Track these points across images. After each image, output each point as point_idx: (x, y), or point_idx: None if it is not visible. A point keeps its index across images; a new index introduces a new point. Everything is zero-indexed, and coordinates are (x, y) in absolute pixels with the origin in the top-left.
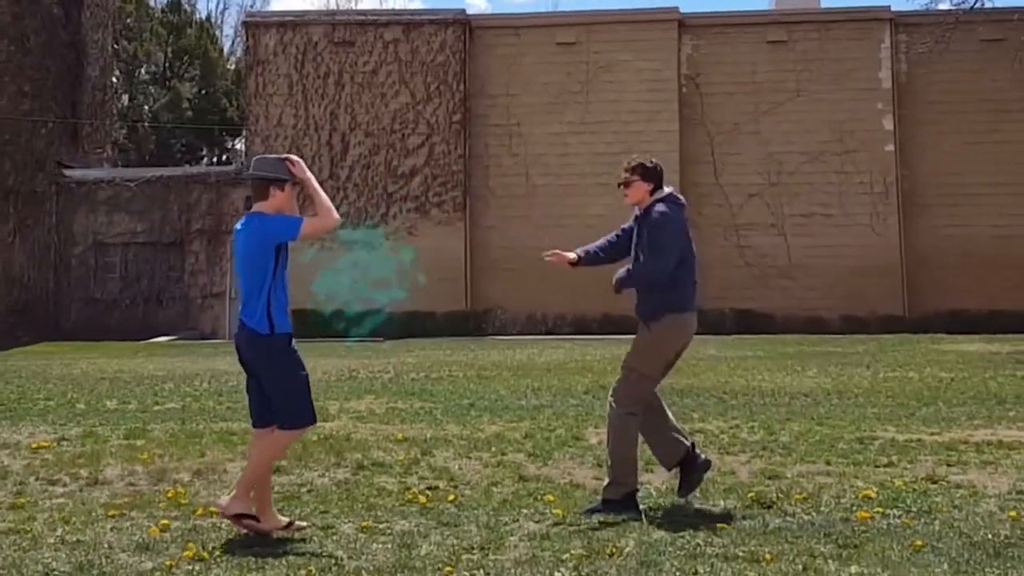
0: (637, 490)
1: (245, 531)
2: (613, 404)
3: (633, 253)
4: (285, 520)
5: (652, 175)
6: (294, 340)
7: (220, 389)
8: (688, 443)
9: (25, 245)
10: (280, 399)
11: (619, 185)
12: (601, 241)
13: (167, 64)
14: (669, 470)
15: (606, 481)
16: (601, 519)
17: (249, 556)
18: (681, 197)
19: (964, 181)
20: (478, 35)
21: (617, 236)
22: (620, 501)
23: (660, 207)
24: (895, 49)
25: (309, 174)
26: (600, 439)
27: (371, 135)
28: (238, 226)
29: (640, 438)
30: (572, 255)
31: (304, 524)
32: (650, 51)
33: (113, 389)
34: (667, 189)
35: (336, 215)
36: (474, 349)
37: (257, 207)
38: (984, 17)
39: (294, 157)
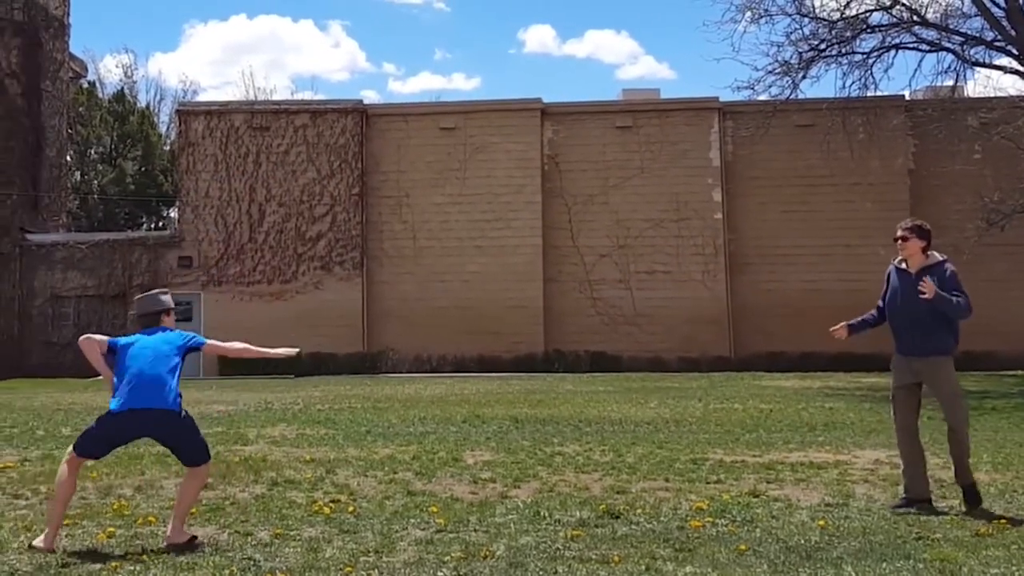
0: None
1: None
2: (954, 425)
3: (905, 299)
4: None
5: (926, 235)
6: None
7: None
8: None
9: None
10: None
11: (896, 240)
12: (867, 315)
13: (113, 146)
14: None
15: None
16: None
17: (181, 559)
18: None
19: (780, 244)
20: (373, 121)
21: (880, 307)
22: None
23: (951, 267)
24: (723, 133)
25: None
26: (475, 460)
27: (284, 205)
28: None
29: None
30: (844, 330)
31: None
32: (517, 135)
33: (67, 418)
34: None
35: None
36: (370, 384)
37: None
38: (797, 106)
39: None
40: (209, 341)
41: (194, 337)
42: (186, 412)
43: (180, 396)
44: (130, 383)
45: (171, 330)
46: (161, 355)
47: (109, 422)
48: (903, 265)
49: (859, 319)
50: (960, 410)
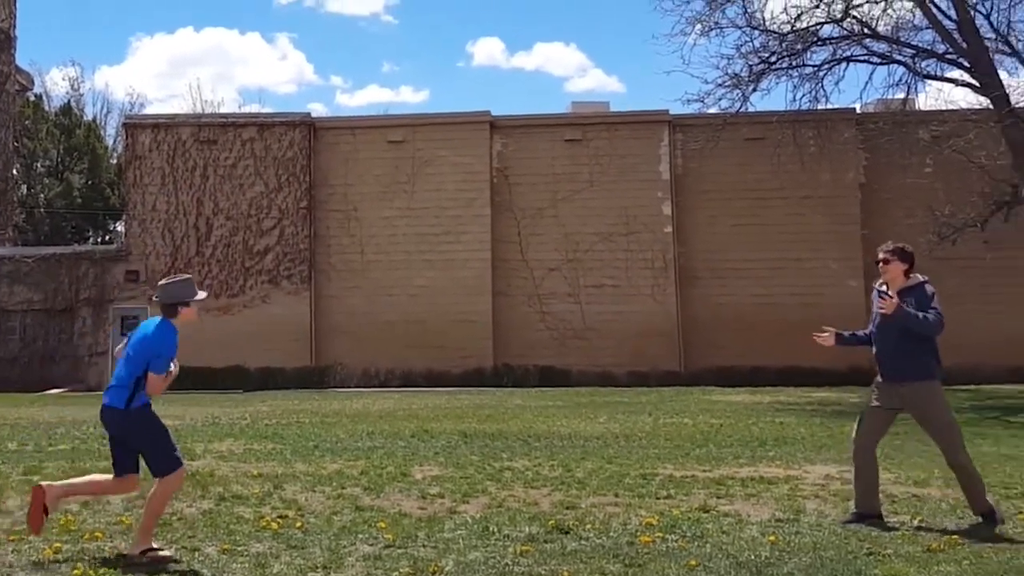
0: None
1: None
2: (953, 459)
3: (884, 323)
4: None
5: (908, 258)
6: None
7: (104, 434)
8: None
9: None
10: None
11: (877, 263)
12: (862, 332)
13: (60, 159)
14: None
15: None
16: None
17: (128, 575)
18: None
19: (730, 257)
20: (321, 134)
21: (872, 330)
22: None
23: (931, 288)
24: (673, 146)
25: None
26: (424, 475)
27: (231, 219)
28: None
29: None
30: (832, 337)
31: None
32: (466, 148)
33: (14, 433)
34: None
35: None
36: (318, 399)
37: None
38: (747, 119)
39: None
40: (152, 376)
41: (154, 361)
42: (149, 417)
43: (141, 400)
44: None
45: (169, 327)
46: (130, 356)
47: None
48: (884, 287)
49: (851, 332)
50: (955, 440)
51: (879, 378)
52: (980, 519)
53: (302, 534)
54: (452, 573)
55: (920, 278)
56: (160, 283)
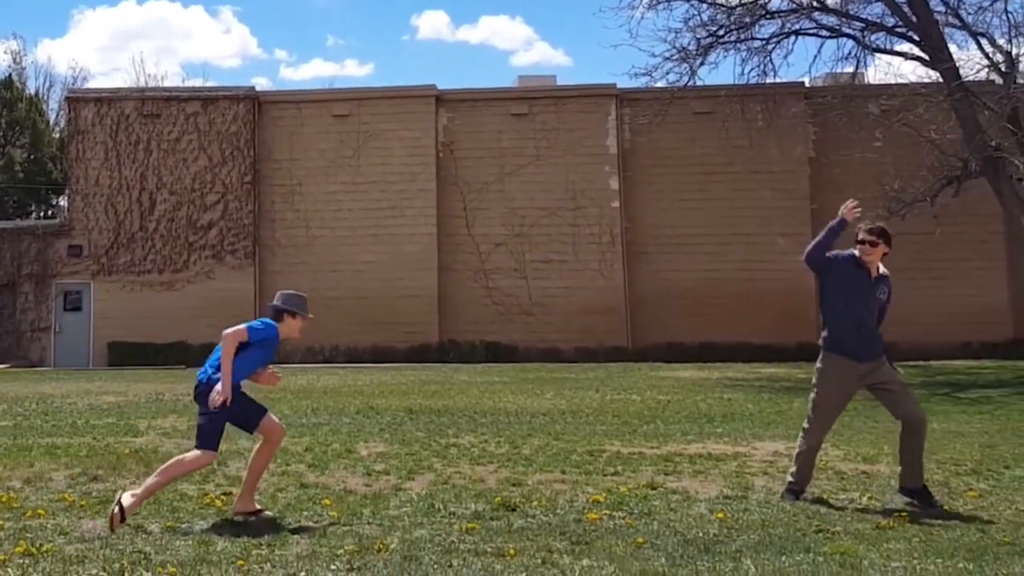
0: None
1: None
2: (924, 420)
3: (864, 300)
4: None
5: (889, 242)
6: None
7: (46, 410)
8: None
9: None
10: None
11: (865, 243)
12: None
13: (1, 133)
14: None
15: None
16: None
17: (71, 551)
18: None
19: (679, 232)
20: (265, 108)
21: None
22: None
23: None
24: (620, 120)
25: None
26: (369, 452)
27: (175, 193)
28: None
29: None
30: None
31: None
32: (412, 122)
33: None
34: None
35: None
36: None
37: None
38: (696, 93)
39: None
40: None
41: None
42: (212, 396)
43: (212, 377)
44: None
45: (271, 324)
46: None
47: None
48: (864, 262)
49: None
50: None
51: (838, 358)
52: (908, 497)
53: None
54: (397, 551)
55: (884, 270)
56: (280, 291)
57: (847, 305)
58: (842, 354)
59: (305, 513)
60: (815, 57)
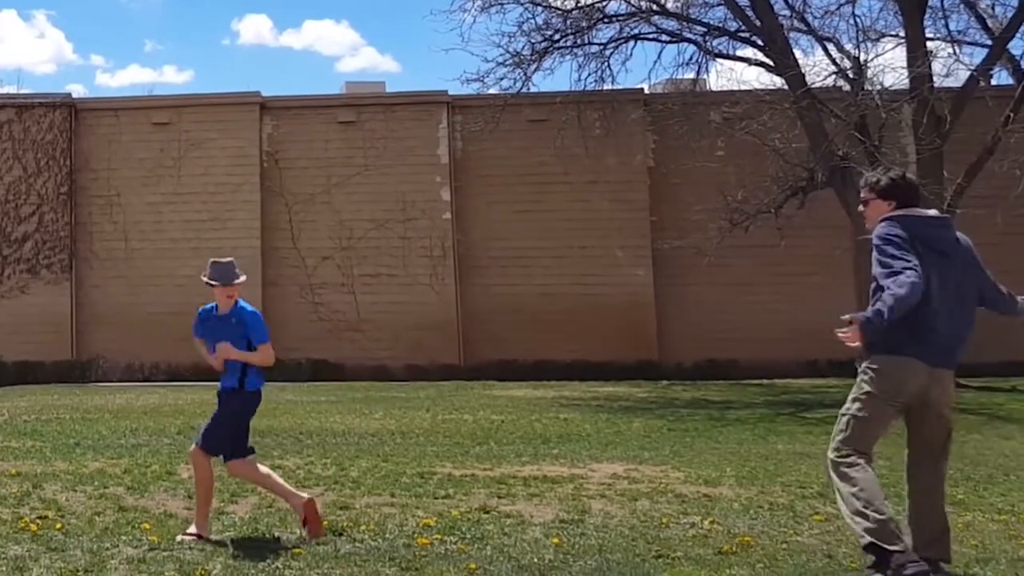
0: None
1: None
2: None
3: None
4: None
5: (891, 193)
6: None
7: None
8: None
9: None
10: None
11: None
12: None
13: None
14: None
15: None
16: None
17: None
18: None
19: (513, 245)
20: (82, 116)
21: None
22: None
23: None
24: (452, 128)
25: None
26: (190, 474)
27: None
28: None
29: None
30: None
31: None
32: (235, 130)
33: None
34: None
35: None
36: (79, 394)
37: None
38: (530, 100)
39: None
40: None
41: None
42: (231, 399)
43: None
44: None
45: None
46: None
47: None
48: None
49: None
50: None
51: (913, 360)
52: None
53: (63, 536)
54: None
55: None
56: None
57: (942, 295)
58: (925, 358)
59: (124, 537)
60: (655, 63)
